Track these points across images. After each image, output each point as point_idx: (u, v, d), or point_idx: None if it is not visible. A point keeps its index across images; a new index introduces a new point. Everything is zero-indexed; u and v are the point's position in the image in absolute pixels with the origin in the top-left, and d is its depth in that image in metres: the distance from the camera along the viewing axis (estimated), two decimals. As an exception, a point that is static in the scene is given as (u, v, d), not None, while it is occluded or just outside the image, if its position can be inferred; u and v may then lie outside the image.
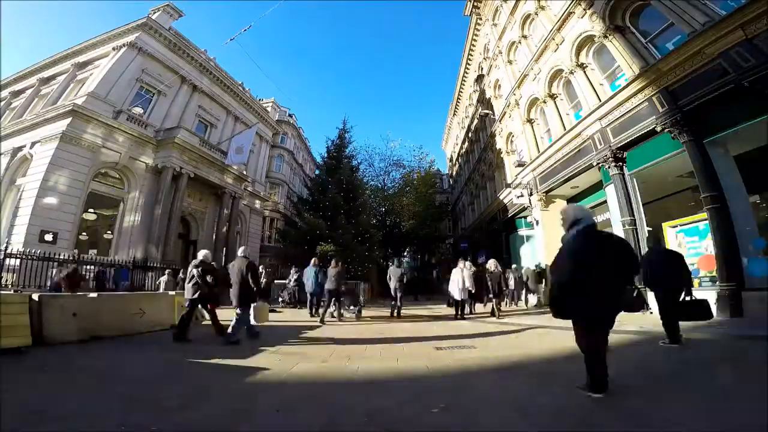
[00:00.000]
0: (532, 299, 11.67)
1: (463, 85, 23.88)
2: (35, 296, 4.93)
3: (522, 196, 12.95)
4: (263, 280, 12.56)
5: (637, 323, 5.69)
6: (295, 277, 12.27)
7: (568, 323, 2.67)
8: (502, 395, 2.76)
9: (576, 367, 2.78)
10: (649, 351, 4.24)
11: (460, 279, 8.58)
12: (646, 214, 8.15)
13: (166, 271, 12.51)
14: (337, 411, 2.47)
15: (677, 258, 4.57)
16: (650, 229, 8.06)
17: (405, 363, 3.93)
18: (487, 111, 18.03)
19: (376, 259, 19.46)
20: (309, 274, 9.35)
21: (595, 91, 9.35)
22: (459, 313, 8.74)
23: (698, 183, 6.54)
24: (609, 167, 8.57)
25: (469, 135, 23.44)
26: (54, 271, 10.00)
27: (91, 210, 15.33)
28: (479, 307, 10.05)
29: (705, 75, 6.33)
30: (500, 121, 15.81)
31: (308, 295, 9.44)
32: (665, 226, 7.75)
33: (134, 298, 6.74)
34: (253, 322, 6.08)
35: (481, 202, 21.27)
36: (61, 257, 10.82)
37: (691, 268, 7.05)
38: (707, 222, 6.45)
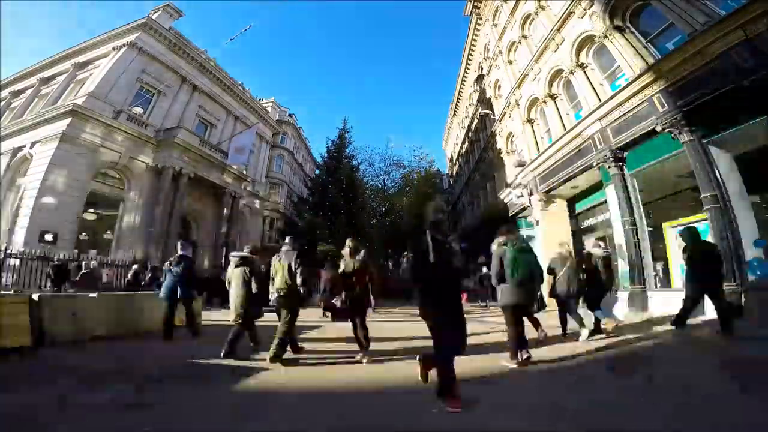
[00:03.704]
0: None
1: (463, 85, 23.87)
2: (35, 296, 4.93)
3: (522, 196, 12.93)
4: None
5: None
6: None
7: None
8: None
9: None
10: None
11: None
12: (646, 214, 8.15)
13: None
14: (336, 412, 2.47)
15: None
16: (650, 229, 8.07)
17: (405, 365, 3.92)
18: (487, 111, 18.02)
19: (376, 259, 19.46)
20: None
21: (595, 91, 9.34)
22: None
23: (698, 183, 6.53)
24: (609, 167, 8.56)
25: (469, 135, 23.43)
26: None
27: (91, 210, 15.33)
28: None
29: (705, 75, 6.32)
30: (500, 121, 15.80)
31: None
32: (665, 226, 7.74)
33: (134, 298, 6.74)
34: None
35: (481, 202, 21.26)
36: (61, 257, 10.83)
37: (691, 268, 7.12)
38: (707, 222, 6.45)
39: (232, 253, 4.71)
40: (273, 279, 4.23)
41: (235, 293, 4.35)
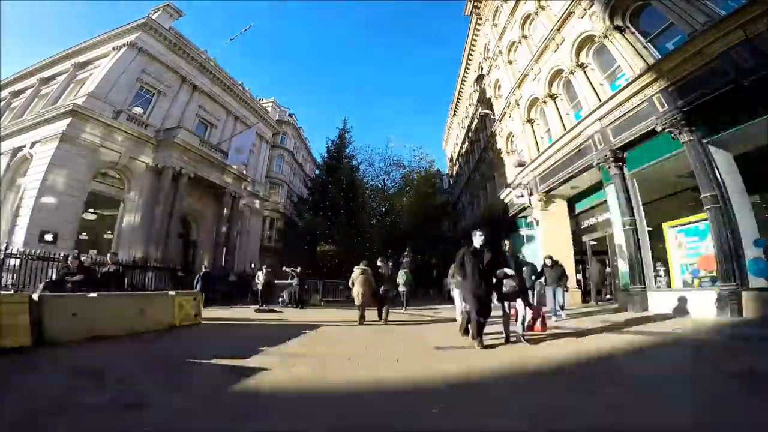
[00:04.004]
0: None
1: (463, 85, 23.87)
2: (35, 296, 4.93)
3: (522, 196, 12.93)
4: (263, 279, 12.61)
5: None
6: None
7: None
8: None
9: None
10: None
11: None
12: (646, 214, 8.16)
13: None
14: (336, 412, 2.47)
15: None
16: (650, 229, 8.07)
17: (404, 365, 3.92)
18: (487, 111, 18.03)
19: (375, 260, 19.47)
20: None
21: (595, 91, 9.35)
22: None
23: (698, 183, 6.54)
24: (609, 167, 8.57)
25: (469, 135, 23.44)
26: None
27: (91, 210, 15.33)
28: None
29: (705, 75, 6.33)
30: (500, 121, 15.80)
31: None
32: (665, 226, 7.75)
33: (134, 298, 6.74)
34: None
35: (481, 202, 21.26)
36: (61, 257, 10.82)
37: (691, 268, 7.14)
38: (707, 222, 6.45)
39: (356, 267, 7.68)
40: (382, 280, 7.79)
41: (358, 289, 7.38)
